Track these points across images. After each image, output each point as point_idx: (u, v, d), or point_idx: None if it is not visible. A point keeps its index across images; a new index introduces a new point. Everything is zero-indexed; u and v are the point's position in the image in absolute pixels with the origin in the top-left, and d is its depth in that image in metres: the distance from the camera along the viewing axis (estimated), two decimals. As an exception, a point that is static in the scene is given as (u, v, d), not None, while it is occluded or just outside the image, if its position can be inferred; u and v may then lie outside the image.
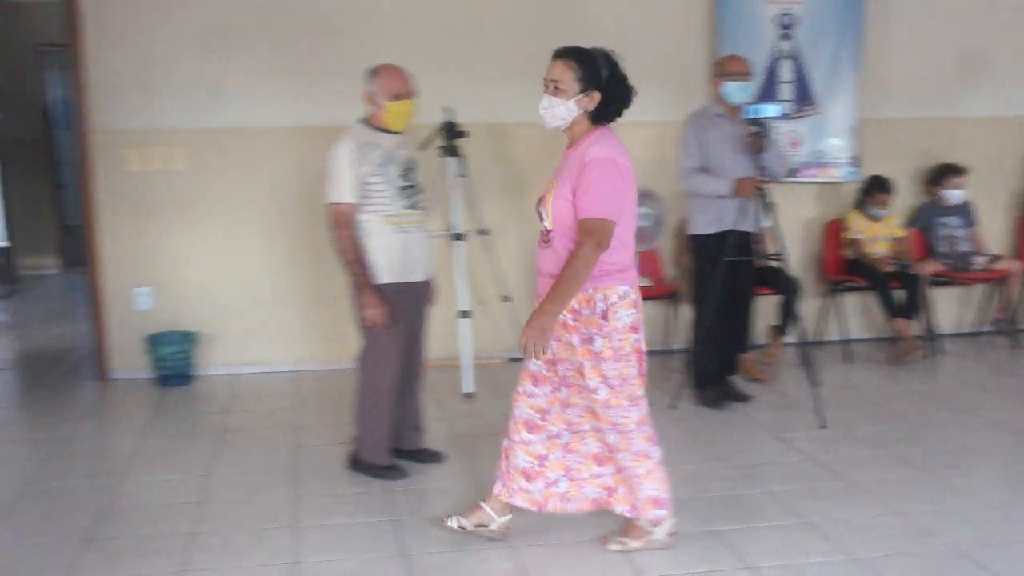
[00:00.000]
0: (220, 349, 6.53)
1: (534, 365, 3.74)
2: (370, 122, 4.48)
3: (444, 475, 4.65)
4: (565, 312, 3.57)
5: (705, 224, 5.59)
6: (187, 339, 6.32)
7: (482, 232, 6.22)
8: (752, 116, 5.30)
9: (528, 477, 3.86)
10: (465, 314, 5.92)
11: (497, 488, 3.92)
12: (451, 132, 5.81)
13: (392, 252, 4.43)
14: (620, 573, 3.63)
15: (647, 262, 6.73)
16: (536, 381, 3.78)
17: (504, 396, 5.84)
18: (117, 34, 6.18)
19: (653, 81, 6.73)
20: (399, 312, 4.46)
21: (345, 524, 4.09)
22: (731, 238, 5.41)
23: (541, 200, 3.64)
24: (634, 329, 3.63)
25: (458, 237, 5.83)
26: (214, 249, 6.44)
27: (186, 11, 6.23)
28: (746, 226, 5.43)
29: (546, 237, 3.61)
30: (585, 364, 3.60)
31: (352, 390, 4.67)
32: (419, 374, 4.75)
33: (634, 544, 3.80)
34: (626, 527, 3.86)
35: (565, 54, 3.57)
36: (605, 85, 3.55)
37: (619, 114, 3.65)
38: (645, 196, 6.54)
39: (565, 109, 3.56)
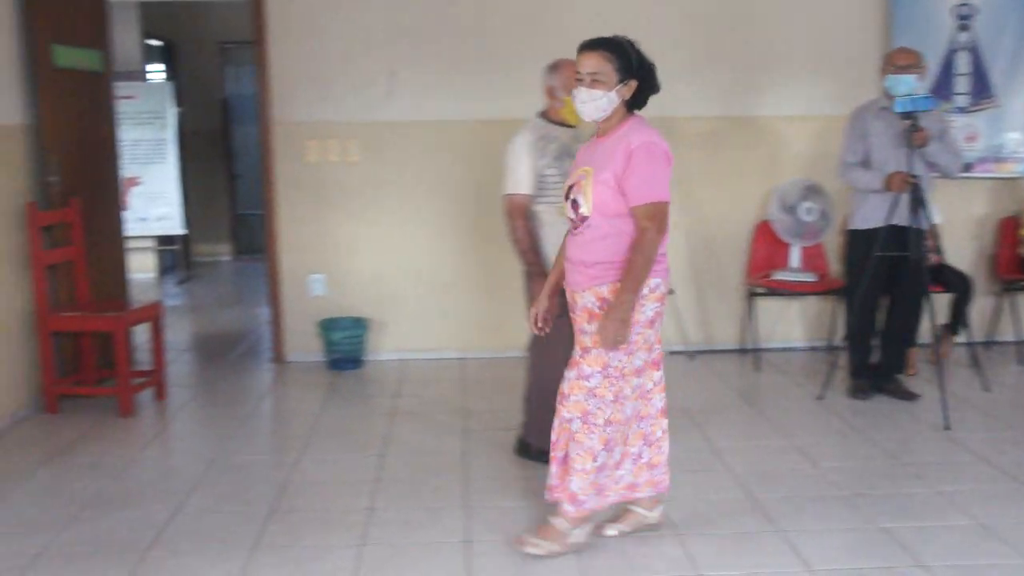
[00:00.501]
0: (389, 335, 6.74)
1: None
2: (548, 116, 4.57)
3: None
4: (595, 300, 3.60)
5: (861, 219, 5.61)
6: (359, 324, 6.55)
7: (647, 225, 6.28)
8: (900, 110, 5.23)
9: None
10: (629, 306, 5.97)
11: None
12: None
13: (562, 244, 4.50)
14: (786, 563, 3.64)
15: (811, 257, 6.65)
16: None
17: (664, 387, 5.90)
18: (298, 31, 6.45)
19: (822, 75, 6.69)
20: (566, 303, 4.52)
21: (513, 506, 4.20)
22: (883, 233, 5.36)
23: (573, 187, 3.66)
24: (651, 324, 3.63)
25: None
26: (385, 238, 6.66)
27: (364, 9, 6.46)
28: (902, 221, 5.36)
29: (580, 224, 3.62)
30: (593, 351, 3.61)
31: (518, 378, 4.77)
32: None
33: (549, 545, 3.71)
34: (540, 527, 3.81)
35: (599, 45, 3.59)
36: (637, 72, 3.59)
37: (646, 101, 3.68)
38: (811, 191, 6.48)
39: (607, 100, 3.57)
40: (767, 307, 6.86)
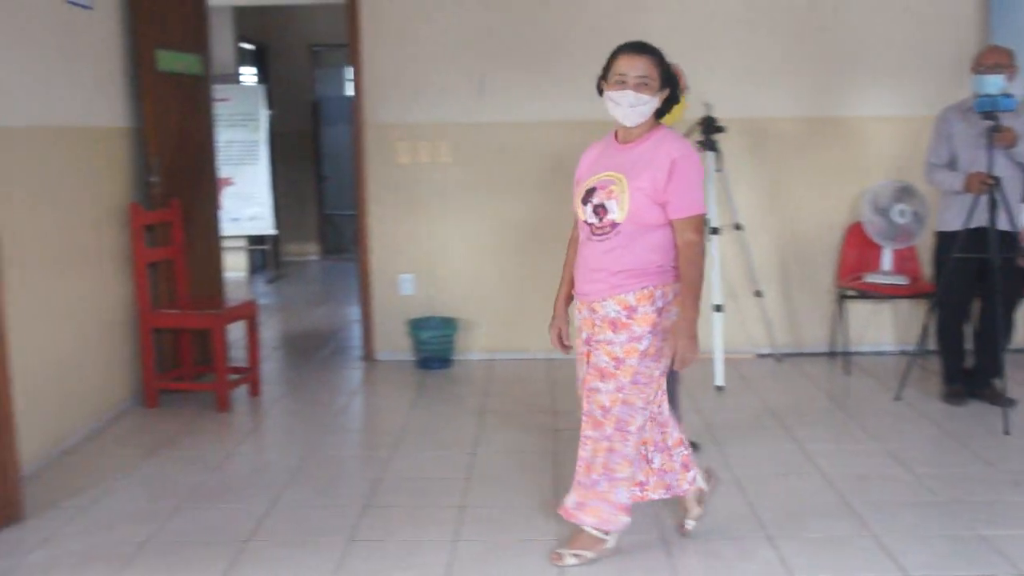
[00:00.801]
0: (478, 334, 6.81)
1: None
2: None
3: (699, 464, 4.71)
4: (619, 308, 3.54)
5: (946, 221, 5.59)
6: (448, 324, 6.63)
7: (737, 227, 6.26)
8: (980, 109, 5.17)
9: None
10: (718, 308, 5.97)
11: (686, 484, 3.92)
12: (710, 127, 5.85)
13: None
14: (882, 568, 3.61)
15: (904, 260, 6.57)
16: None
17: (752, 391, 5.90)
18: (391, 34, 6.55)
19: (917, 75, 6.60)
20: None
21: (605, 506, 4.23)
22: (964, 236, 5.34)
23: (595, 192, 3.56)
24: (667, 329, 3.57)
25: (714, 231, 5.87)
26: (474, 238, 6.73)
27: (455, 12, 6.54)
28: (982, 223, 5.31)
29: (607, 231, 3.54)
30: (626, 360, 3.54)
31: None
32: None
33: (587, 555, 3.70)
34: (574, 537, 3.76)
35: (647, 50, 3.57)
36: (669, 81, 3.60)
37: (670, 110, 3.66)
38: (904, 193, 6.40)
39: (651, 107, 3.55)
40: (858, 310, 6.79)
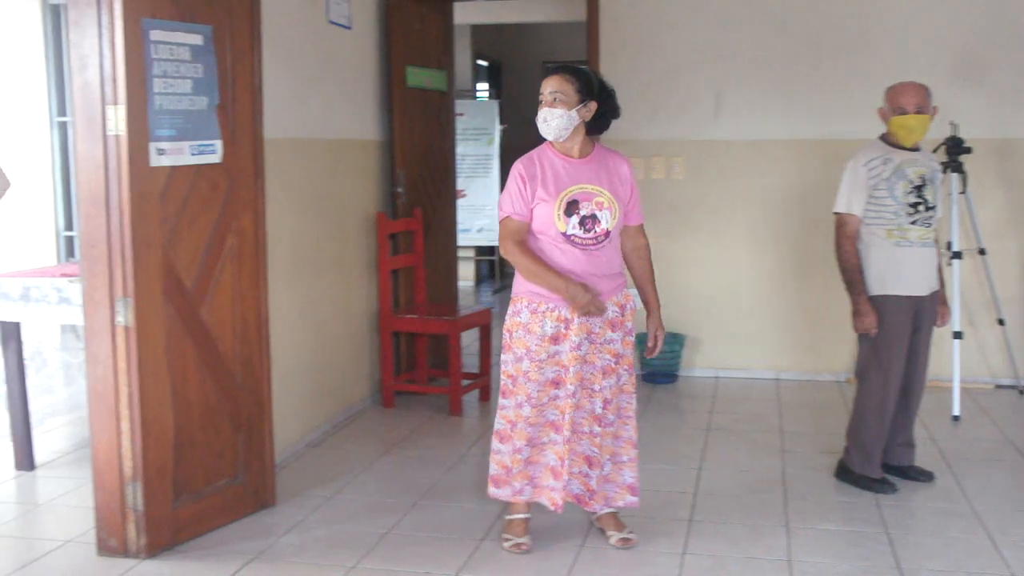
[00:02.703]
0: (704, 351, 6.81)
1: (555, 371, 3.85)
2: (887, 138, 4.60)
3: (932, 495, 4.58)
4: (616, 308, 3.87)
5: None
6: (675, 340, 6.65)
7: (980, 252, 6.03)
8: None
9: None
10: (958, 335, 5.77)
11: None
12: (956, 147, 5.68)
13: (888, 266, 4.50)
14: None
15: None
16: (558, 385, 3.88)
17: (991, 422, 5.67)
18: (628, 51, 6.65)
19: None
20: (893, 326, 4.50)
21: (835, 531, 4.17)
22: None
23: (580, 203, 3.75)
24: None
25: (956, 256, 5.68)
26: (704, 255, 6.73)
27: (693, 29, 6.58)
28: None
29: (601, 240, 3.80)
30: (624, 354, 3.93)
31: (833, 401, 4.72)
32: (918, 391, 4.72)
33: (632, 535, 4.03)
34: (613, 521, 4.05)
35: (564, 70, 3.83)
36: (598, 96, 3.84)
37: (609, 125, 3.95)
38: None
39: (567, 119, 3.77)
40: (1111, 343, 6.41)
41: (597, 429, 3.91)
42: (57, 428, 5.46)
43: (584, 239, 3.78)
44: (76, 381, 5.44)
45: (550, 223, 3.76)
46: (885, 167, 4.47)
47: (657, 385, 6.59)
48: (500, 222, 3.88)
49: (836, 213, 4.56)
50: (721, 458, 5.11)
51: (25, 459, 4.87)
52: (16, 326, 4.81)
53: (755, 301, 6.71)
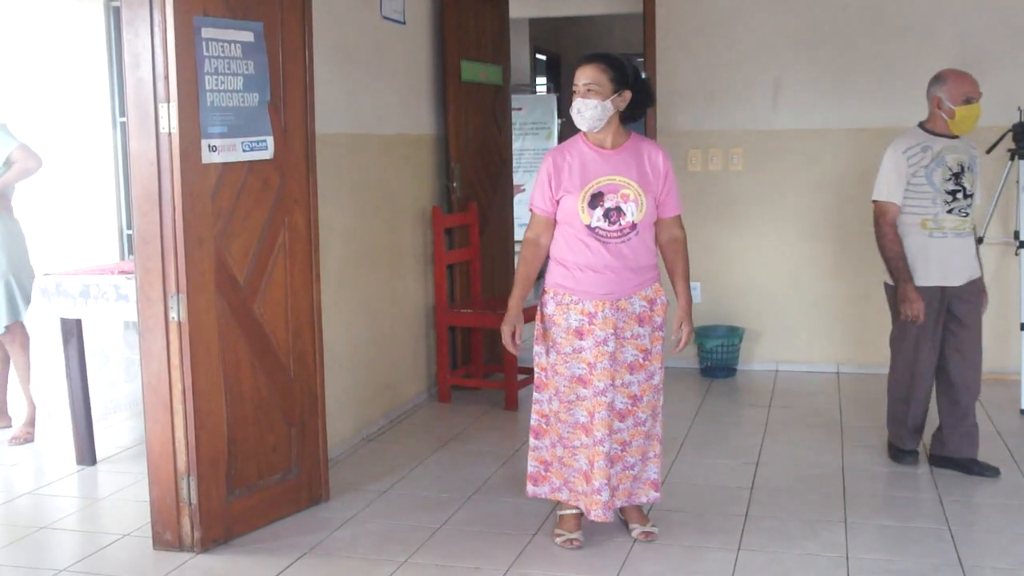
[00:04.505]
0: (763, 344, 6.72)
1: (581, 369, 3.80)
2: (926, 126, 4.61)
3: (997, 490, 4.48)
4: (643, 302, 3.82)
5: None
6: (734, 334, 6.58)
7: (1049, 241, 5.88)
8: None
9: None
10: (1025, 327, 5.64)
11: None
12: (1023, 134, 5.53)
13: (917, 257, 4.54)
14: None
15: None
16: (584, 384, 3.80)
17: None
18: (685, 42, 6.59)
19: None
20: (929, 313, 4.55)
21: (895, 527, 4.09)
22: None
23: (605, 196, 3.70)
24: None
25: (1023, 245, 5.54)
26: (762, 247, 6.64)
27: (751, 19, 6.49)
28: None
29: (627, 232, 3.73)
30: (653, 349, 3.86)
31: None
32: (970, 383, 4.63)
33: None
34: (637, 513, 4.02)
35: (597, 58, 3.74)
36: (633, 84, 3.76)
37: (644, 113, 3.88)
38: None
39: (602, 110, 3.70)
40: None
41: (618, 424, 3.85)
42: (118, 423, 5.54)
43: (608, 232, 3.73)
44: (137, 377, 5.50)
45: (574, 215, 3.74)
46: (924, 155, 4.49)
47: (715, 379, 6.52)
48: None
49: (875, 201, 4.59)
50: (779, 453, 5.04)
51: (87, 454, 4.95)
52: (77, 323, 4.89)
53: (816, 293, 6.60)
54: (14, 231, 5.37)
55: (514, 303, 3.92)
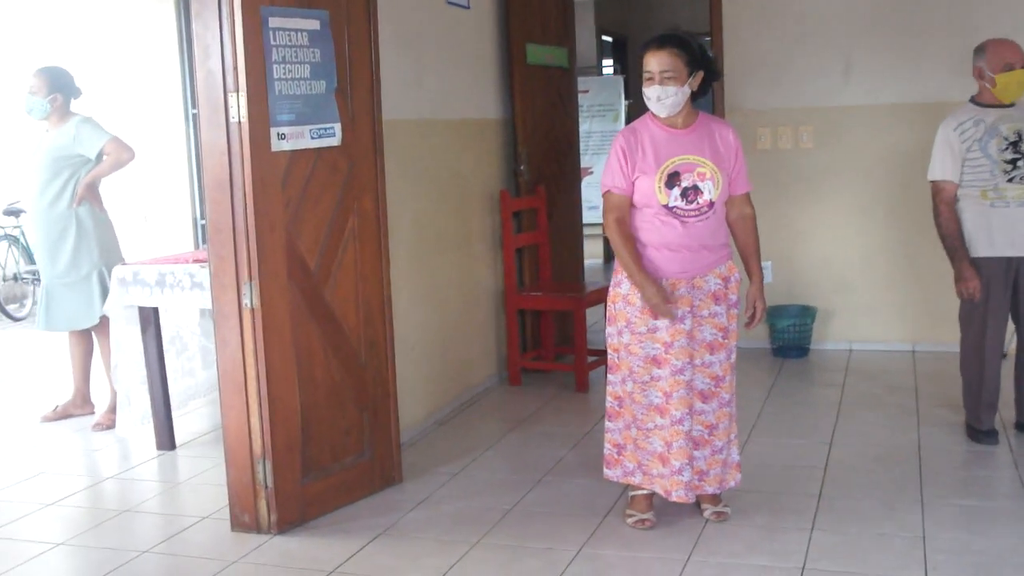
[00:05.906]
0: (836, 324, 6.64)
1: (656, 349, 3.78)
2: (977, 99, 4.63)
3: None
4: (719, 280, 3.80)
5: None
6: (806, 313, 6.51)
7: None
8: None
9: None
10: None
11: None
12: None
13: (978, 228, 4.53)
14: None
15: None
16: (659, 364, 3.78)
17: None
18: (752, 19, 6.51)
19: None
20: (994, 286, 4.54)
21: (974, 506, 4.03)
22: None
23: (682, 175, 3.70)
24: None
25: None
26: (834, 225, 6.56)
27: (817, -5, 6.41)
28: None
29: (704, 211, 3.73)
30: (730, 327, 3.86)
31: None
32: None
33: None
34: (708, 494, 3.98)
35: (669, 42, 3.68)
36: (702, 63, 3.76)
37: (710, 88, 3.86)
38: None
39: (681, 96, 3.70)
40: None
41: (701, 406, 3.85)
42: (197, 409, 5.66)
43: (686, 211, 3.72)
44: (213, 364, 5.61)
45: (652, 195, 3.72)
46: (976, 128, 4.49)
47: (787, 359, 6.46)
48: (603, 196, 3.84)
49: (931, 181, 4.60)
50: (853, 432, 4.98)
51: (166, 440, 5.07)
52: (154, 311, 4.99)
53: (889, 271, 6.50)
54: (105, 223, 5.50)
55: (640, 276, 3.70)
